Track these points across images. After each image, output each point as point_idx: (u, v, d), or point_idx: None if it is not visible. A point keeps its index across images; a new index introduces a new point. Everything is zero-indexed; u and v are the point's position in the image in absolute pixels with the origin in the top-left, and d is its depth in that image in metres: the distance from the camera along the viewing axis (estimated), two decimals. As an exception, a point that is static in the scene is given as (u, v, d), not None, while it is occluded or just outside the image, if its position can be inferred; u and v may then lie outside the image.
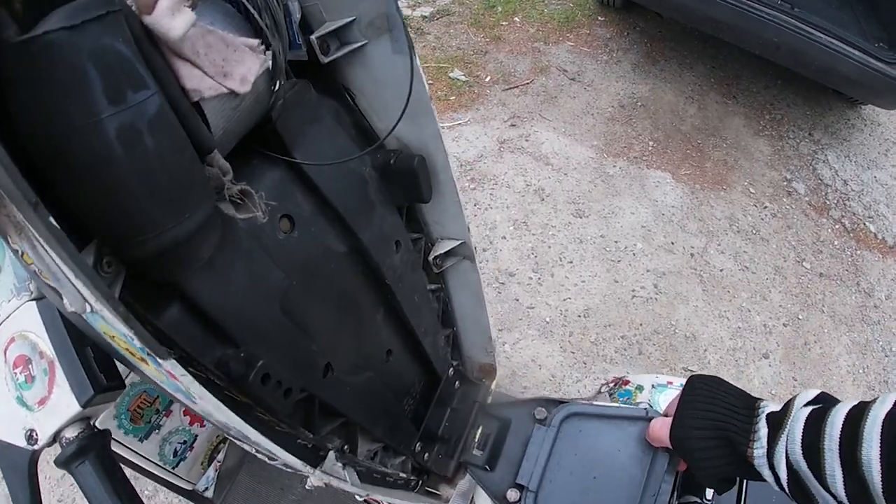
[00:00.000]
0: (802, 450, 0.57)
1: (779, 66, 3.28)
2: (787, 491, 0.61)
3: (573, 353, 2.09)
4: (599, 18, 3.58)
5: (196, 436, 1.15)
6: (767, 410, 0.65)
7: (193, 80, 0.48)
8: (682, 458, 0.72)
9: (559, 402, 1.22)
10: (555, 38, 3.38)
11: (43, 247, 0.32)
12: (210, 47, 0.49)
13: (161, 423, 1.05)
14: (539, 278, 2.23)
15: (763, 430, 0.62)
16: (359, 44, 0.73)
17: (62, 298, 0.38)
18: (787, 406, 0.63)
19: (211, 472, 1.16)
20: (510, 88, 2.98)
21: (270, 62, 0.56)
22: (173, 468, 1.07)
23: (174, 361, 0.41)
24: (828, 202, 2.95)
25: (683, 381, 1.35)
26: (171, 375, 0.41)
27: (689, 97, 3.18)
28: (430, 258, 1.04)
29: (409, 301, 0.94)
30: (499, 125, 2.77)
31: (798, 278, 2.56)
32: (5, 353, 0.63)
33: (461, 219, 1.00)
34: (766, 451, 0.61)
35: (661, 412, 1.02)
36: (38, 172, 0.39)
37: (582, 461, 0.85)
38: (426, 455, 1.05)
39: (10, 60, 0.36)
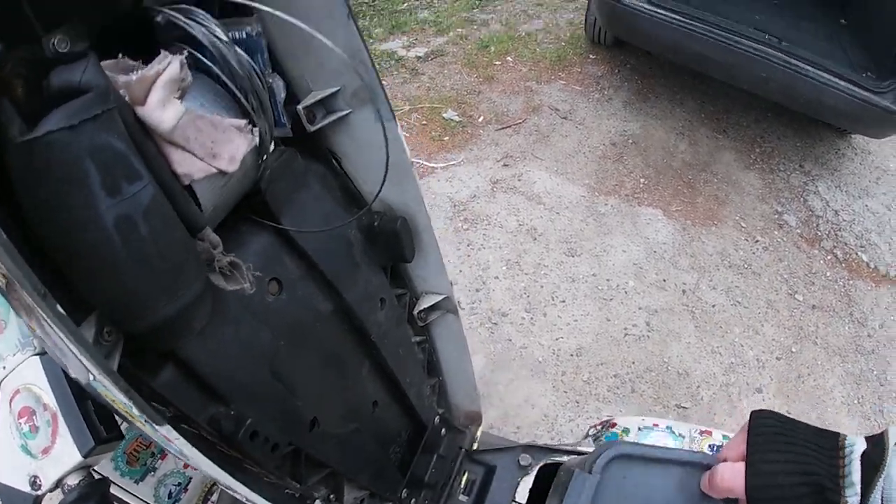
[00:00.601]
0: None
1: (768, 100, 3.41)
2: None
3: (566, 392, 2.16)
4: (591, 56, 3.73)
5: (190, 478, 1.23)
6: (856, 449, 0.57)
7: (184, 164, 0.55)
8: None
9: (542, 449, 1.30)
10: (547, 76, 3.52)
11: (50, 327, 0.40)
12: (200, 131, 0.55)
13: (156, 465, 1.13)
14: (532, 318, 2.32)
15: (856, 473, 0.55)
16: (343, 112, 0.80)
17: (64, 363, 0.47)
18: (881, 443, 0.55)
19: (205, 514, 1.23)
20: (503, 128, 3.11)
21: (257, 140, 0.63)
22: (168, 509, 1.14)
23: (169, 427, 0.48)
24: (819, 233, 3.04)
25: (669, 422, 1.43)
26: (166, 439, 0.49)
27: (680, 133, 3.30)
28: (415, 312, 1.12)
29: (393, 355, 1.01)
30: (492, 165, 2.89)
31: (791, 311, 2.64)
32: (11, 404, 0.69)
33: (444, 275, 1.08)
34: (859, 498, 0.55)
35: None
36: (44, 255, 0.46)
37: None
38: (412, 501, 1.12)
39: (16, 158, 0.42)
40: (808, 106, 3.15)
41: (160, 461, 1.13)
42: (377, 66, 3.34)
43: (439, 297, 1.12)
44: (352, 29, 0.70)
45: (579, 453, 1.23)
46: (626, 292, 2.48)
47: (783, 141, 3.49)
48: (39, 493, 0.66)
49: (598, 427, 1.49)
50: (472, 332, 2.22)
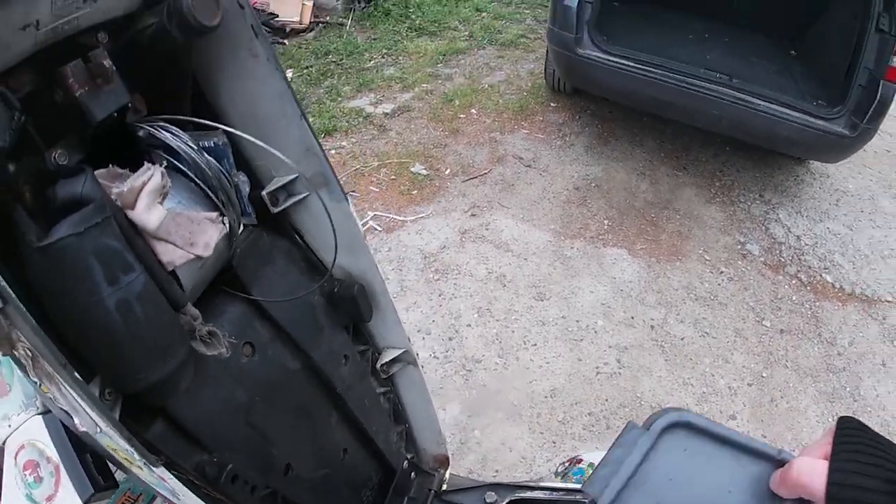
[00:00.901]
0: None
1: (724, 135, 3.65)
2: None
3: (542, 433, 2.27)
4: (552, 105, 3.98)
5: None
6: None
7: (167, 254, 0.70)
8: None
9: (508, 486, 1.40)
10: (510, 126, 3.75)
11: (68, 390, 0.54)
12: (179, 225, 0.71)
13: None
14: (505, 363, 2.45)
15: None
16: (302, 195, 0.96)
17: (72, 418, 0.60)
18: None
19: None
20: (469, 179, 3.31)
21: (227, 228, 0.78)
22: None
23: (164, 468, 0.61)
24: (783, 259, 3.23)
25: None
26: (161, 479, 0.62)
27: (641, 173, 3.52)
28: (378, 366, 1.26)
29: (359, 406, 1.14)
30: (460, 216, 3.07)
31: (759, 337, 2.79)
32: (16, 458, 0.82)
33: (401, 331, 1.22)
34: None
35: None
36: (58, 331, 0.59)
37: (677, 490, 0.70)
38: None
39: (35, 259, 0.55)
40: (763, 139, 3.39)
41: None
42: (347, 123, 3.56)
43: (399, 351, 1.26)
44: (304, 126, 0.87)
45: (543, 489, 1.34)
46: (595, 332, 2.62)
47: (742, 173, 3.72)
48: None
49: (566, 464, 1.60)
50: (448, 380, 2.34)
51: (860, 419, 0.63)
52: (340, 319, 1.08)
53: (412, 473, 1.36)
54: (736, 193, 3.56)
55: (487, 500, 1.31)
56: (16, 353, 0.55)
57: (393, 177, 3.31)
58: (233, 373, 0.84)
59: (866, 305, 3.11)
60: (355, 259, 1.08)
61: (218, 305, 0.86)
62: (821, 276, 3.20)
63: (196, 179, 0.74)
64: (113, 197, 0.61)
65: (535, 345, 2.53)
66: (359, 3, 5.01)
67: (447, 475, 1.51)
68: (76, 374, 0.52)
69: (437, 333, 2.48)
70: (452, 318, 2.58)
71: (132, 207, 0.62)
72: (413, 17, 5.10)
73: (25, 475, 0.80)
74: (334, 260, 0.98)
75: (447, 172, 3.36)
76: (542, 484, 1.41)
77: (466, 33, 4.96)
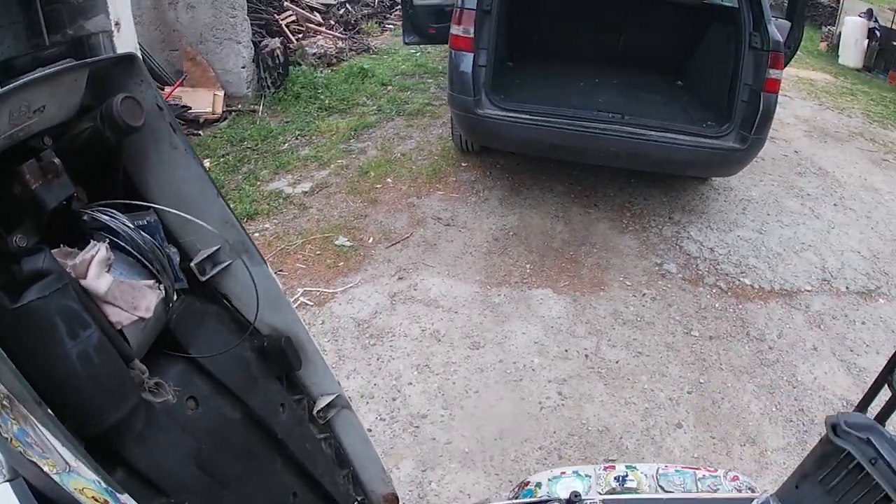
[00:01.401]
0: None
1: (625, 169, 4.05)
2: None
3: (497, 474, 2.43)
4: (463, 164, 4.34)
5: None
6: None
7: (115, 315, 0.86)
8: None
9: None
10: (426, 190, 4.06)
11: (41, 430, 0.67)
12: (123, 292, 0.88)
13: None
14: (450, 413, 2.62)
15: None
16: (226, 263, 1.14)
17: (41, 468, 0.74)
18: None
19: None
20: (392, 245, 3.56)
21: (163, 293, 0.95)
22: None
23: (128, 495, 0.74)
24: (700, 272, 3.58)
25: (575, 467, 1.71)
26: None
27: (555, 216, 3.87)
28: (315, 412, 1.41)
29: (301, 450, 1.27)
30: (387, 280, 3.29)
31: (690, 347, 3.07)
32: None
33: (331, 377, 1.37)
34: None
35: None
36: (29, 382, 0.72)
37: None
38: None
39: (8, 321, 0.70)
40: (662, 165, 3.82)
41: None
42: (268, 206, 3.75)
43: (332, 396, 1.40)
44: (221, 203, 1.07)
45: None
46: (533, 370, 2.84)
47: (650, 200, 4.13)
48: None
49: (515, 489, 1.76)
50: (397, 439, 2.48)
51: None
52: (273, 370, 1.24)
53: None
54: (647, 220, 3.94)
55: None
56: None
57: (318, 252, 3.51)
58: (180, 423, 0.98)
59: (788, 298, 3.47)
60: (280, 315, 1.25)
61: (161, 365, 1.01)
62: (739, 280, 3.56)
63: (134, 252, 0.92)
64: (67, 269, 0.79)
65: (477, 392, 2.72)
66: (268, 88, 5.33)
67: None
68: (49, 410, 0.67)
69: (379, 396, 2.63)
70: (393, 379, 2.74)
71: (84, 277, 0.79)
72: (322, 97, 5.45)
73: (-7, 544, 0.91)
74: (256, 312, 1.15)
75: (370, 241, 3.59)
76: (495, 502, 1.55)
77: (375, 108, 5.34)
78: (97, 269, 0.80)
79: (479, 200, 3.97)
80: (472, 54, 3.60)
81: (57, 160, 0.76)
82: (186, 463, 0.98)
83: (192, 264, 1.07)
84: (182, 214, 0.97)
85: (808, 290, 3.56)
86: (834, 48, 9.84)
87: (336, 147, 4.66)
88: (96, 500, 0.74)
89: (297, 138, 4.84)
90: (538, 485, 1.66)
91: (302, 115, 5.18)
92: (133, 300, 0.88)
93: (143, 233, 0.93)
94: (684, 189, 4.33)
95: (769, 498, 1.10)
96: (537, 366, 2.86)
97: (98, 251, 0.80)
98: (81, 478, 0.71)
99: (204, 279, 1.11)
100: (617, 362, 2.94)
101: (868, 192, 4.70)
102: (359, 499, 1.52)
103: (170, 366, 1.02)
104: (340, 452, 1.52)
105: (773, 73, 3.57)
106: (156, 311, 0.93)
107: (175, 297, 1.03)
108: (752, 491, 1.40)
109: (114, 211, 0.88)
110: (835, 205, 4.49)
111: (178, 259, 1.05)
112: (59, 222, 0.83)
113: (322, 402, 1.41)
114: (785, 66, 3.75)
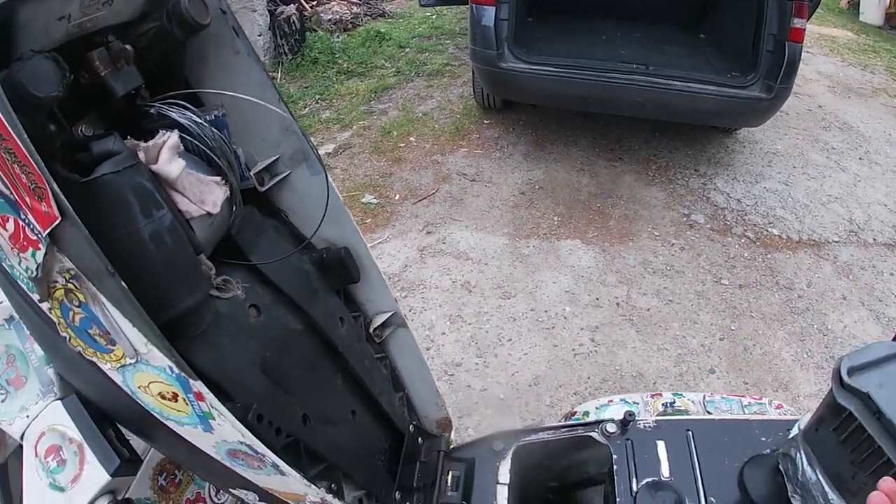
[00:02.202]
0: None
1: (655, 121, 3.97)
2: None
3: (533, 419, 2.41)
4: (486, 122, 4.26)
5: None
6: None
7: (185, 204, 0.83)
8: None
9: (513, 433, 1.51)
10: (450, 148, 4.00)
11: (110, 311, 0.63)
12: (191, 184, 0.85)
13: None
14: (485, 361, 2.60)
15: None
16: (284, 174, 1.10)
17: (99, 368, 0.71)
18: None
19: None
20: (419, 201, 3.51)
21: (230, 191, 0.92)
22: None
23: (202, 382, 0.68)
24: (728, 223, 3.51)
25: (621, 395, 1.68)
26: (198, 396, 0.68)
27: (581, 170, 3.80)
28: (371, 331, 1.35)
29: (360, 366, 1.24)
30: (416, 235, 3.25)
31: (720, 296, 3.02)
32: (36, 448, 0.85)
33: (388, 294, 1.33)
34: None
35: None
36: None
37: None
38: (407, 503, 1.33)
39: (78, 197, 0.63)
40: (687, 115, 3.73)
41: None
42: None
43: (389, 314, 1.35)
44: (283, 108, 1.02)
45: (547, 429, 1.45)
46: (565, 318, 2.81)
47: (675, 153, 4.04)
48: None
49: (562, 419, 1.73)
50: (432, 387, 2.47)
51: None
52: (332, 283, 1.20)
53: (419, 438, 1.42)
54: (672, 172, 3.86)
55: (496, 449, 1.39)
56: (52, 298, 0.64)
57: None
58: (244, 329, 0.96)
59: (816, 249, 3.40)
60: (338, 227, 1.19)
61: (223, 272, 0.97)
62: (767, 230, 3.49)
63: (203, 147, 0.88)
64: (139, 153, 0.75)
65: (511, 340, 2.70)
66: (286, 55, 5.25)
67: (452, 437, 1.61)
68: (122, 282, 0.60)
69: (414, 346, 2.62)
70: (426, 330, 2.73)
71: (155, 162, 0.76)
72: (340, 61, 5.37)
73: (47, 462, 0.83)
74: (322, 220, 1.10)
75: (397, 198, 3.55)
76: (546, 425, 1.52)
77: (393, 70, 5.25)
78: (169, 154, 0.76)
79: (503, 156, 3.90)
80: (494, 8, 3.51)
81: (128, 46, 0.73)
82: (251, 368, 0.94)
83: (250, 174, 1.04)
84: (252, 99, 0.92)
85: (836, 241, 3.49)
86: (855, 5, 9.50)
87: (357, 109, 4.59)
88: (163, 396, 0.70)
89: (317, 102, 4.77)
90: (586, 413, 1.63)
91: (321, 80, 5.10)
92: (200, 194, 0.84)
93: (212, 128, 0.89)
94: (709, 142, 4.23)
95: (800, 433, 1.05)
96: (569, 314, 2.83)
97: (169, 138, 0.77)
98: (150, 367, 0.67)
99: (263, 189, 1.07)
100: (648, 310, 2.90)
101: (893, 146, 4.56)
102: (413, 423, 1.49)
103: (231, 273, 0.99)
104: (395, 374, 1.48)
105: (797, 23, 3.44)
106: (221, 210, 0.89)
107: (240, 200, 0.99)
108: None
109: (183, 103, 0.84)
110: (860, 159, 4.36)
111: (244, 158, 1.01)
112: (123, 119, 0.80)
113: (378, 321, 1.35)
114: (808, 18, 3.64)
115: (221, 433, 0.74)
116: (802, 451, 0.95)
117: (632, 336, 2.76)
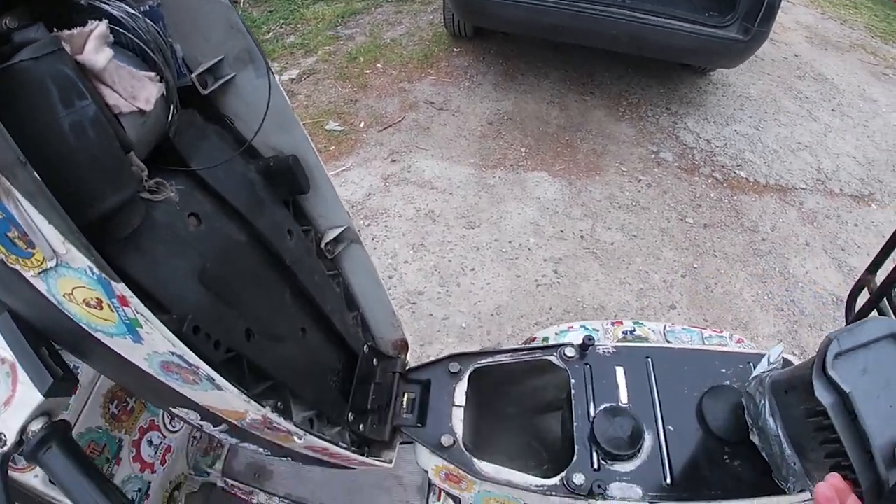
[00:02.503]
0: None
1: (628, 57, 3.87)
2: None
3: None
4: (455, 50, 4.09)
5: (149, 482, 1.34)
6: None
7: (113, 98, 0.75)
8: None
9: (469, 355, 1.47)
10: (417, 75, 3.84)
11: (24, 206, 0.56)
12: (122, 78, 0.76)
13: (113, 471, 1.25)
14: (447, 290, 2.56)
15: None
16: (229, 76, 1.00)
17: (21, 275, 0.63)
18: None
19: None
20: (384, 129, 3.39)
21: (165, 89, 0.83)
22: (131, 518, 1.24)
23: (124, 285, 0.62)
24: (696, 162, 3.48)
25: (581, 322, 1.65)
26: (122, 301, 0.62)
27: (550, 102, 3.69)
28: (322, 246, 1.30)
29: (310, 281, 1.17)
30: (380, 163, 3.15)
31: (685, 233, 3.02)
32: None
33: (341, 208, 1.24)
34: None
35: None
36: None
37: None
38: (361, 426, 1.28)
39: None
40: (662, 51, 3.63)
41: (116, 466, 1.22)
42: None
43: (341, 229, 1.26)
44: (227, 5, 0.92)
45: (505, 352, 1.42)
46: (529, 249, 2.77)
47: (647, 90, 3.96)
48: (5, 449, 0.78)
49: (522, 345, 1.70)
50: (393, 315, 2.43)
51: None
52: (280, 194, 1.11)
53: (374, 359, 1.37)
54: (643, 109, 3.79)
55: (452, 370, 1.35)
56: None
57: (308, 136, 3.34)
58: (182, 237, 0.88)
59: (782, 194, 3.41)
60: (288, 135, 1.10)
61: (159, 177, 0.89)
62: (735, 172, 3.47)
63: (136, 40, 0.79)
64: (63, 42, 0.67)
65: (474, 269, 2.65)
66: (248, -22, 4.96)
67: (408, 359, 1.57)
68: (34, 172, 0.54)
69: (375, 273, 2.56)
70: (389, 258, 2.66)
71: (81, 51, 0.67)
72: (305, -16, 5.08)
73: (-23, 388, 0.76)
74: (263, 119, 1.00)
75: (361, 125, 3.42)
76: (503, 347, 1.49)
77: (361, -6, 5.01)
78: (96, 43, 0.68)
79: (472, 85, 3.77)
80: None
81: None
82: (189, 277, 0.87)
83: (192, 76, 0.94)
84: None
85: (803, 188, 3.49)
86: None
87: (323, 34, 4.37)
88: (88, 303, 0.64)
89: (281, 27, 4.52)
90: (545, 339, 1.60)
91: (285, 4, 4.82)
92: (132, 90, 0.76)
93: (145, 19, 0.80)
94: (682, 81, 4.16)
95: (780, 359, 1.01)
96: (533, 245, 2.79)
97: (97, 26, 0.68)
98: (71, 270, 0.60)
99: (206, 92, 0.97)
100: (612, 244, 2.88)
101: (866, 102, 4.56)
102: (368, 343, 1.45)
103: (170, 179, 0.90)
104: (349, 293, 1.42)
105: (778, -35, 3.37)
106: (156, 108, 0.80)
107: (178, 101, 0.90)
108: None
109: None
110: (833, 110, 4.36)
111: (181, 54, 0.91)
112: (54, 14, 0.70)
113: (330, 235, 1.29)
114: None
115: (151, 343, 0.68)
116: (767, 400, 0.92)
117: (595, 269, 2.75)
